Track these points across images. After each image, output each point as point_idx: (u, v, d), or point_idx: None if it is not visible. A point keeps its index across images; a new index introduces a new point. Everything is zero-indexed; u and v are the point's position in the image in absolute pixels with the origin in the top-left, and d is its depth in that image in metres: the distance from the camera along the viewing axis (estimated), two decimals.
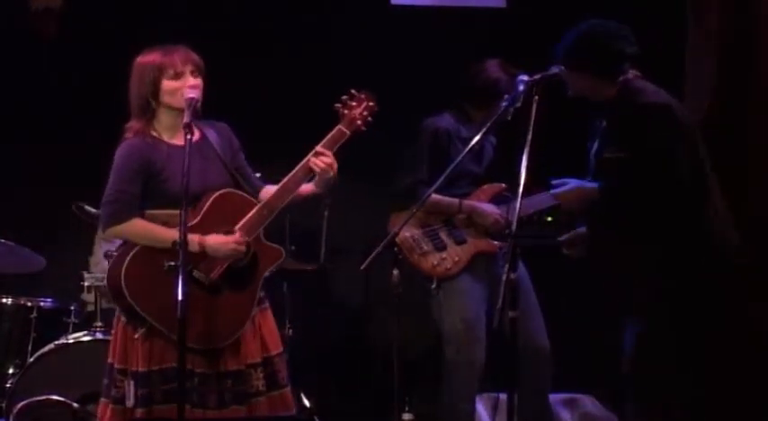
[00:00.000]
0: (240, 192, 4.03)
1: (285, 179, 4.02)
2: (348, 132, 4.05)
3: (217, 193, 3.97)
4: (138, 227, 3.97)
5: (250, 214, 3.97)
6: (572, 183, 4.33)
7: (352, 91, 4.10)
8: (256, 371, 4.01)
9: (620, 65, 4.29)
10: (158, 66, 4.01)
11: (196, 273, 3.93)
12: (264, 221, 3.99)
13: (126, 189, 3.97)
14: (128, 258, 3.94)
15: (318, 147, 4.00)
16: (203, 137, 4.08)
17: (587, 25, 4.32)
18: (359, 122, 4.08)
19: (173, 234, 3.84)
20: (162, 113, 4.05)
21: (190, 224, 3.89)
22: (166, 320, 3.87)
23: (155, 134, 4.05)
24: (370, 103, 4.11)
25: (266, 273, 4.04)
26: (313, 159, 4.00)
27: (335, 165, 4.01)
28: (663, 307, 4.19)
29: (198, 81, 4.02)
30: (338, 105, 4.07)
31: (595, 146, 4.39)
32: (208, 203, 3.97)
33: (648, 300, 4.21)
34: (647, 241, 4.20)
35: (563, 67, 4.24)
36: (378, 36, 6.11)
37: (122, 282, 3.89)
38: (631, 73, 4.30)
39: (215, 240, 3.93)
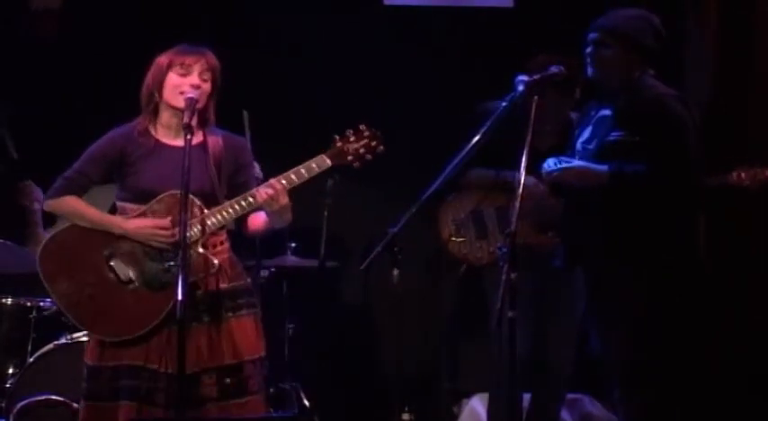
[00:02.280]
0: (192, 198, 3.88)
1: (237, 198, 3.94)
2: (330, 163, 3.91)
3: (166, 193, 3.92)
4: (68, 204, 4.03)
5: (194, 219, 3.90)
6: (576, 162, 4.32)
7: (361, 126, 3.95)
8: (207, 376, 3.95)
9: (660, 54, 4.32)
10: (169, 59, 4.02)
11: (114, 262, 3.95)
12: (209, 230, 3.93)
13: (81, 169, 4.06)
14: (51, 234, 4.05)
15: (272, 180, 3.88)
16: (203, 142, 4.03)
17: (640, 10, 4.36)
18: (350, 158, 3.93)
19: (99, 215, 3.98)
20: (163, 110, 4.04)
21: (128, 216, 3.98)
22: (71, 307, 3.95)
23: (151, 130, 4.05)
24: (373, 143, 3.94)
25: (194, 279, 3.91)
26: (260, 188, 3.90)
27: (282, 200, 3.87)
28: (650, 305, 4.20)
29: (202, 83, 3.99)
30: (336, 136, 3.95)
31: (586, 133, 4.39)
32: (154, 201, 3.95)
33: (636, 298, 4.20)
34: (641, 237, 4.21)
35: (608, 43, 4.23)
36: (372, 36, 6.11)
37: (38, 255, 3.97)
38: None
39: (136, 224, 3.92)
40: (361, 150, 3.94)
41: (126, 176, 4.02)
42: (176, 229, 3.87)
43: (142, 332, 3.90)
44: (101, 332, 3.96)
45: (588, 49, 4.34)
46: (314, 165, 3.92)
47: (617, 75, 4.33)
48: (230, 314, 4.01)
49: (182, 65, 3.99)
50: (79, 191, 4.05)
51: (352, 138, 3.95)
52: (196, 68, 3.99)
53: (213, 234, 3.99)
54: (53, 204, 4.07)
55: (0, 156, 5.48)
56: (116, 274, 3.95)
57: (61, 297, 3.97)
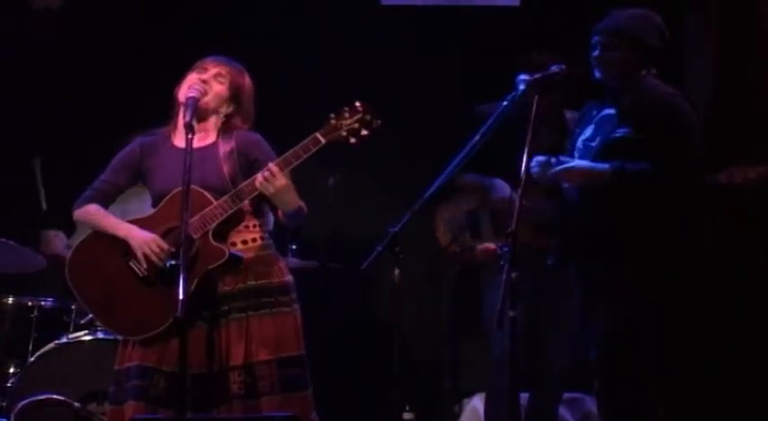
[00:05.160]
0: (201, 191, 3.97)
1: (242, 184, 3.99)
2: (323, 141, 3.92)
3: (176, 190, 3.95)
4: (88, 212, 4.14)
5: (201, 213, 3.96)
6: (576, 161, 4.31)
7: (356, 103, 3.96)
8: (235, 374, 3.99)
9: (663, 53, 4.32)
10: (194, 65, 4.17)
11: (133, 263, 4.02)
12: (214, 221, 3.97)
13: (105, 179, 4.20)
14: (78, 241, 4.15)
15: (271, 164, 3.92)
16: (215, 143, 4.12)
17: (643, 9, 4.36)
18: (343, 133, 3.92)
19: (107, 221, 4.08)
20: (180, 113, 4.12)
21: (142, 217, 4.08)
22: (99, 309, 4.08)
23: (171, 135, 4.16)
24: (367, 116, 3.94)
25: (205, 270, 3.97)
26: (259, 173, 3.94)
27: (278, 182, 3.89)
28: (652, 303, 4.20)
29: (216, 84, 4.10)
30: (331, 114, 3.96)
31: (588, 132, 4.38)
32: (166, 199, 4.03)
33: (639, 296, 4.20)
34: (644, 236, 4.20)
35: (614, 44, 4.25)
36: (369, 37, 6.11)
37: (66, 263, 4.08)
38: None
39: (135, 231, 4.03)
40: (355, 125, 3.94)
41: (147, 182, 4.16)
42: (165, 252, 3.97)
43: (162, 328, 3.95)
44: (126, 332, 4.06)
45: (595, 53, 4.34)
46: (311, 142, 3.93)
47: (624, 75, 4.33)
48: (265, 310, 4.06)
49: (200, 67, 4.14)
50: (104, 199, 4.18)
51: (346, 114, 3.95)
52: (212, 70, 4.13)
53: (242, 230, 4.08)
54: (78, 213, 4.20)
55: (31, 204, 5.56)
56: (135, 274, 4.02)
57: (89, 302, 4.09)
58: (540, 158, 4.27)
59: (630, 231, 4.21)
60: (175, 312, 3.77)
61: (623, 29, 4.31)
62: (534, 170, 4.24)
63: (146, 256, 3.98)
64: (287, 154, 3.95)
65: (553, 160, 4.26)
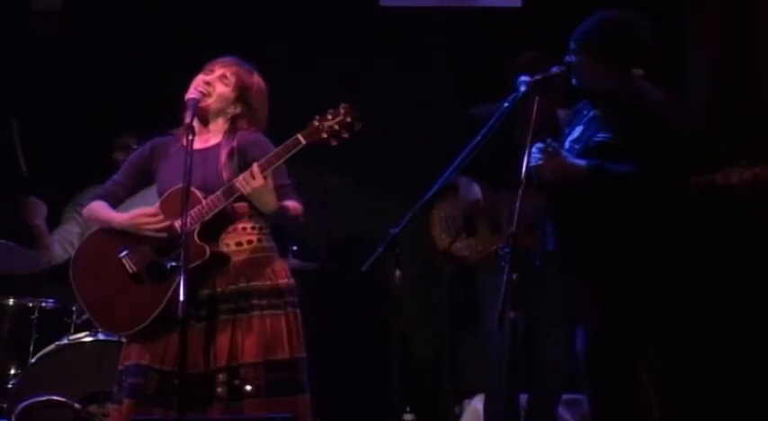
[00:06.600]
0: (192, 190, 3.93)
1: (234, 180, 3.98)
2: (304, 142, 3.90)
3: (173, 189, 3.98)
4: (93, 208, 4.17)
5: (192, 210, 3.94)
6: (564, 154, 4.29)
7: (341, 105, 3.93)
8: (220, 375, 3.97)
9: (637, 56, 4.28)
10: (203, 66, 4.18)
11: (125, 260, 4.03)
12: (201, 218, 3.96)
13: (116, 178, 4.25)
14: (85, 237, 4.20)
15: (255, 164, 3.90)
16: (218, 144, 4.12)
17: (611, 12, 4.29)
18: (324, 135, 3.89)
19: (105, 214, 4.11)
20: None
21: None
22: (92, 305, 4.09)
23: (181, 137, 4.14)
24: (348, 119, 3.90)
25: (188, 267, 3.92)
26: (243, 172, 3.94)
27: (254, 183, 3.87)
28: (632, 305, 4.20)
29: (219, 85, 4.12)
30: (316, 115, 3.94)
31: (576, 132, 4.36)
32: (162, 198, 4.05)
33: (617, 298, 4.20)
34: (623, 238, 4.20)
35: (577, 52, 4.22)
36: (368, 38, 6.11)
37: (71, 263, 4.13)
38: (636, 70, 4.32)
39: (127, 215, 4.06)
40: (336, 127, 3.90)
41: (155, 183, 4.18)
42: (163, 216, 4.00)
43: (144, 324, 3.96)
44: (114, 328, 4.11)
45: (566, 58, 4.33)
46: (292, 143, 3.92)
47: (593, 81, 4.29)
48: (255, 313, 4.03)
49: (207, 69, 4.16)
50: (113, 199, 4.20)
51: (329, 116, 3.93)
52: (218, 71, 4.14)
53: (237, 232, 4.07)
54: (85, 212, 4.24)
55: (9, 168, 5.51)
56: (126, 270, 4.03)
57: (84, 298, 4.10)
58: (539, 145, 4.25)
59: (604, 237, 4.20)
60: (158, 308, 3.90)
61: (585, 36, 4.24)
62: (536, 157, 4.20)
63: (141, 227, 3.99)
64: (269, 154, 3.94)
65: (550, 145, 4.23)
